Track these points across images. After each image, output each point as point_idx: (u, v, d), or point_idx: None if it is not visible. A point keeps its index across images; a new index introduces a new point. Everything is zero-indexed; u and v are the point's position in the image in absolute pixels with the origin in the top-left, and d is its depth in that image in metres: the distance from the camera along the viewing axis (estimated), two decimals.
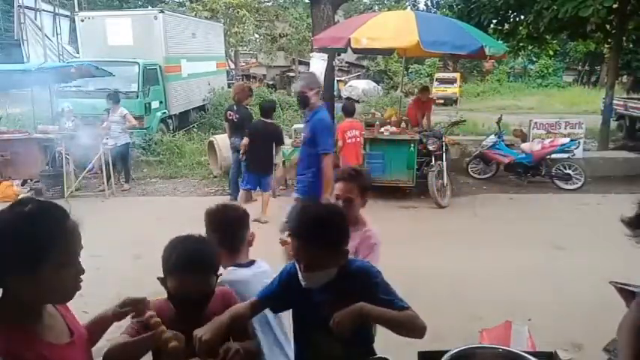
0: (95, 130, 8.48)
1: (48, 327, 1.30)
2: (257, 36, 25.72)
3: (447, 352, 1.60)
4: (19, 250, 1.19)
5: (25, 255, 1.19)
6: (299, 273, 1.75)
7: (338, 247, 1.74)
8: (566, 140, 8.90)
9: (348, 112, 7.83)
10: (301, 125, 9.21)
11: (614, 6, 8.75)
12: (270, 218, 6.37)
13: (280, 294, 1.90)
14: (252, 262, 2.23)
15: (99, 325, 1.64)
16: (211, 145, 9.58)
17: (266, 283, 2.05)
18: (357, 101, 22.39)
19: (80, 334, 1.40)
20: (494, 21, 11.56)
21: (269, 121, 6.94)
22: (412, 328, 1.73)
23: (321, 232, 1.69)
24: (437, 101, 23.56)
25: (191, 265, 1.71)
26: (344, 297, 1.70)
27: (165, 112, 12.76)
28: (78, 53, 13.94)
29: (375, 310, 1.69)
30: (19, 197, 1.31)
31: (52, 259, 1.22)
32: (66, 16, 15.96)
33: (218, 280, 1.86)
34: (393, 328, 1.74)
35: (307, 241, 1.70)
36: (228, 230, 2.17)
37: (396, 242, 6.17)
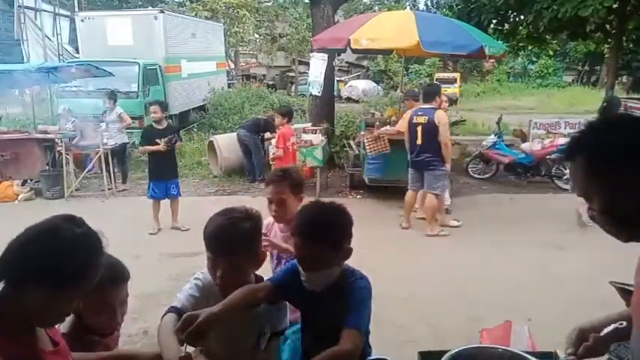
0: (95, 130, 8.49)
1: (39, 334, 1.32)
2: (257, 36, 25.70)
3: (447, 352, 1.60)
4: (64, 266, 1.20)
5: (66, 273, 1.21)
6: (302, 275, 1.71)
7: (340, 245, 1.71)
8: (566, 140, 8.90)
9: (290, 116, 7.46)
10: (300, 125, 9.23)
11: (614, 6, 8.74)
12: None
13: (288, 284, 1.78)
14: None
15: None
16: (211, 145, 9.58)
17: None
18: (357, 101, 22.38)
19: (64, 345, 1.41)
20: (494, 21, 11.57)
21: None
22: None
23: (322, 227, 1.67)
24: None
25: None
26: (339, 300, 1.68)
27: None
28: (78, 53, 13.95)
29: None
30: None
31: (79, 287, 1.25)
32: (66, 16, 15.98)
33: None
34: None
35: (308, 237, 1.66)
36: None
37: (396, 242, 6.21)
